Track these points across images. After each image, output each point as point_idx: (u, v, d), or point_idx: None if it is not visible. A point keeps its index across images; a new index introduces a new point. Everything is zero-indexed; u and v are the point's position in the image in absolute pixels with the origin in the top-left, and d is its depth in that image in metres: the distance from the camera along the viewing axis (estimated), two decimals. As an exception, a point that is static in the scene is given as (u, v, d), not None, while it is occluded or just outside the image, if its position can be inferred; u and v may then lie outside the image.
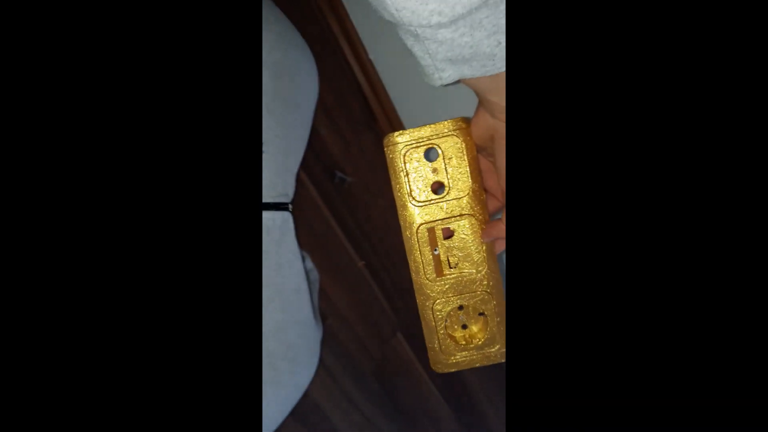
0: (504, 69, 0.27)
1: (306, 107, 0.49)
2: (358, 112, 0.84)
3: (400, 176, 0.33)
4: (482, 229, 0.32)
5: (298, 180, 0.71)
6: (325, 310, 0.73)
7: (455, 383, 0.98)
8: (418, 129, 0.32)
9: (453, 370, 0.35)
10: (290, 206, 0.47)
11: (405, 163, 0.33)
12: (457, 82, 0.29)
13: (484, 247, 0.33)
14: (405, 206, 0.33)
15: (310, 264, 0.63)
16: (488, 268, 0.33)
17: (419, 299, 0.35)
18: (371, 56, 0.83)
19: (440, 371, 0.35)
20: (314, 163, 0.74)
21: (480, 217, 0.32)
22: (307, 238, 0.71)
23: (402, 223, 0.34)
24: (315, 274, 0.64)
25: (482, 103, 0.31)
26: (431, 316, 0.34)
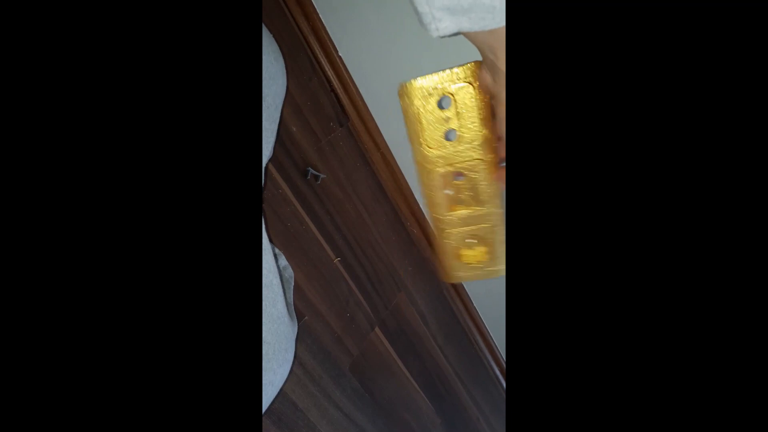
0: (504, 24, 0.26)
1: (272, 101, 0.49)
2: (330, 109, 0.84)
3: (415, 124, 0.34)
4: (492, 171, 0.35)
5: (271, 178, 0.70)
6: (301, 307, 0.72)
7: (434, 376, 0.99)
8: (431, 75, 0.33)
9: (461, 281, 0.42)
10: (259, 201, 0.47)
11: (418, 112, 0.34)
12: (456, 35, 0.28)
13: (491, 188, 0.35)
14: (420, 152, 0.35)
15: (284, 261, 0.63)
16: (493, 205, 0.36)
17: (435, 229, 0.39)
18: (341, 53, 0.83)
19: (449, 281, 0.43)
20: (286, 161, 0.73)
21: (489, 160, 0.34)
22: (281, 236, 0.71)
23: (417, 167, 0.36)
24: (290, 271, 0.64)
25: (484, 61, 0.30)
26: (443, 241, 0.39)
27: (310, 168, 0.77)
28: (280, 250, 0.63)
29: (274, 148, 0.52)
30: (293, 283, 0.64)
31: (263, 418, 0.61)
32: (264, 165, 0.48)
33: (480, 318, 1.14)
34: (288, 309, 0.54)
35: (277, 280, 0.51)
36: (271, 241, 0.50)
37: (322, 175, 0.78)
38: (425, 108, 0.33)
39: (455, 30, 0.27)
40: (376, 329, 0.87)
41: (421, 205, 0.98)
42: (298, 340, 0.59)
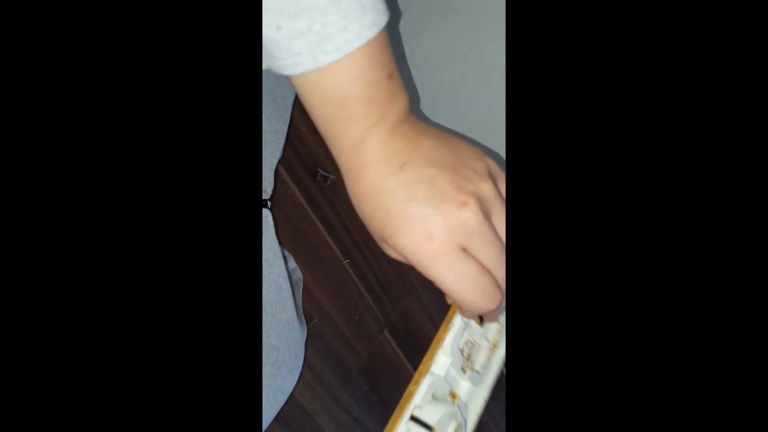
0: (314, 67, 0.19)
1: (283, 101, 0.48)
2: (339, 108, 0.83)
3: None
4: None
5: (280, 179, 0.69)
6: (310, 309, 0.71)
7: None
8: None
9: None
10: (269, 202, 0.46)
11: None
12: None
13: None
14: None
15: (293, 264, 0.62)
16: None
17: None
18: (351, 51, 0.81)
19: None
20: (295, 161, 0.72)
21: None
22: (289, 238, 0.70)
23: None
24: (298, 274, 0.63)
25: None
26: None
27: (319, 169, 0.76)
28: (288, 252, 0.62)
29: (284, 148, 0.51)
30: (302, 286, 0.63)
31: (273, 424, 0.60)
32: (274, 167, 0.47)
33: (490, 320, 1.12)
34: (297, 312, 0.53)
35: (286, 284, 0.50)
36: (280, 243, 0.49)
37: (331, 176, 0.77)
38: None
39: (265, 66, 0.21)
40: (385, 332, 0.86)
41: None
42: (307, 343, 0.58)
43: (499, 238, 0.22)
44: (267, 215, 0.45)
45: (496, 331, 0.26)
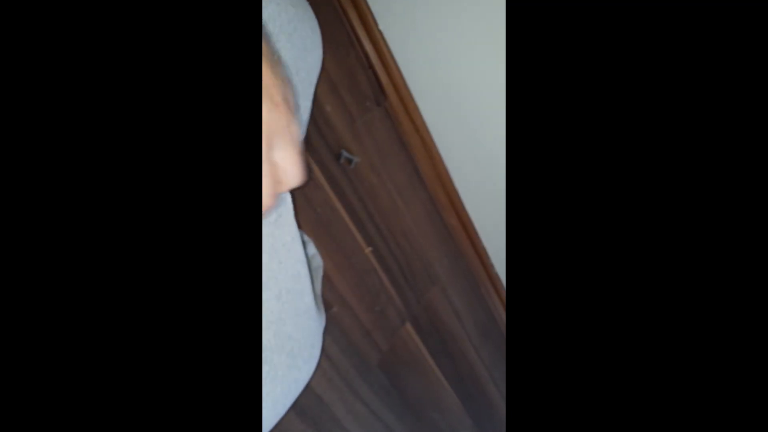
0: None
1: (307, 75, 0.44)
2: (366, 87, 0.79)
3: None
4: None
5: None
6: (329, 298, 0.69)
7: (466, 376, 0.94)
8: None
9: None
10: (288, 183, 0.42)
11: None
12: None
13: None
14: None
15: (312, 250, 0.59)
16: None
17: None
18: (382, 27, 0.77)
19: None
20: (319, 143, 0.69)
21: None
22: (310, 223, 0.67)
23: None
24: (318, 261, 0.60)
25: None
26: None
27: (343, 151, 0.72)
28: (309, 237, 0.60)
29: (307, 128, 0.48)
30: (321, 273, 0.61)
31: (288, 412, 0.58)
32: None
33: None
34: (316, 301, 0.51)
35: (305, 271, 0.47)
36: (300, 227, 0.46)
37: (356, 159, 0.74)
38: None
39: None
40: (407, 324, 0.82)
41: (460, 194, 0.93)
42: (325, 332, 0.55)
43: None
44: (286, 196, 0.42)
45: None
